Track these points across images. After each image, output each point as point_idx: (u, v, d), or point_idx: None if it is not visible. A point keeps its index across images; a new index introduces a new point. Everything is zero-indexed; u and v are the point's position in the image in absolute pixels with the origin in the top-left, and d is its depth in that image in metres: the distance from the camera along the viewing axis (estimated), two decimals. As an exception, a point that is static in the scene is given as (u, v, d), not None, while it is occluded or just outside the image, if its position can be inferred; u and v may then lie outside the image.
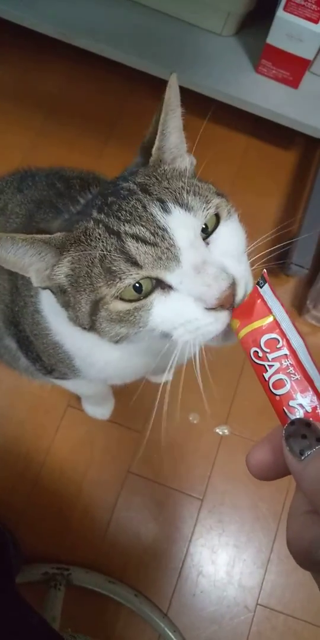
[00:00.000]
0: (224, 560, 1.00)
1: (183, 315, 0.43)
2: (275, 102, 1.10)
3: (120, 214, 0.44)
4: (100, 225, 0.45)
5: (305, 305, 1.17)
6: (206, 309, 0.41)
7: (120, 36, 1.07)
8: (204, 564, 1.00)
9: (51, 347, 0.63)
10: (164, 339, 0.45)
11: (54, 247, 0.46)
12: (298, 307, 1.20)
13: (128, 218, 0.44)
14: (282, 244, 0.55)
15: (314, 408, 0.33)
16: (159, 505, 1.02)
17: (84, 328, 0.48)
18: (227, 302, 0.41)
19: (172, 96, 0.48)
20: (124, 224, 0.44)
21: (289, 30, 0.99)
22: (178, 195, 0.45)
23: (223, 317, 0.41)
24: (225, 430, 1.08)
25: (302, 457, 0.29)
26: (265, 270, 0.39)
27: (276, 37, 1.01)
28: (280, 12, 0.97)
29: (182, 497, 1.03)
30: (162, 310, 0.44)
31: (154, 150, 0.49)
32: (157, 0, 1.08)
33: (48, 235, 0.45)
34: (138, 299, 0.44)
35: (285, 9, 0.96)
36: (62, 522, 1.00)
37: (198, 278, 0.41)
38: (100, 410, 1.04)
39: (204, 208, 0.45)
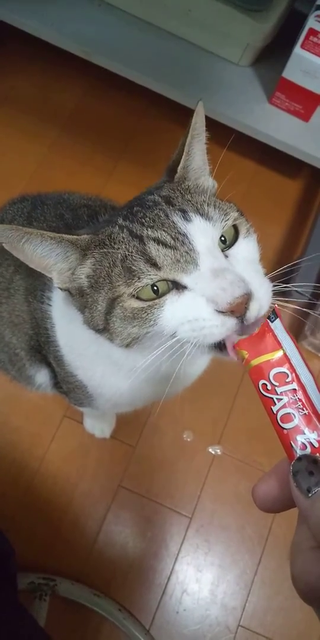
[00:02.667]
0: (209, 579, 1.01)
1: (192, 312, 0.43)
2: (285, 133, 1.13)
3: (144, 220, 0.47)
4: (125, 230, 0.47)
5: (303, 332, 1.19)
6: (216, 310, 0.42)
7: (140, 58, 1.08)
8: (189, 582, 1.01)
9: (69, 375, 0.65)
10: (171, 340, 0.45)
11: (79, 248, 0.48)
12: (295, 334, 1.21)
13: (151, 224, 0.46)
14: (284, 268, 0.55)
15: None
16: (148, 520, 1.03)
17: (98, 329, 0.50)
18: (238, 310, 0.41)
19: (198, 121, 0.51)
20: (146, 229, 0.46)
21: (305, 67, 1.01)
22: (199, 206, 0.47)
23: (229, 323, 0.42)
24: (218, 450, 1.09)
25: (310, 494, 0.29)
26: (276, 305, 0.40)
27: (292, 72, 1.04)
28: (297, 49, 0.99)
29: (171, 514, 1.04)
30: (174, 307, 0.45)
31: (179, 168, 0.52)
32: (179, 27, 1.10)
33: (75, 236, 0.48)
34: (153, 299, 0.45)
35: (302, 46, 0.99)
36: (51, 531, 1.00)
37: (215, 281, 0.42)
38: (100, 425, 1.05)
39: (223, 219, 0.47)
